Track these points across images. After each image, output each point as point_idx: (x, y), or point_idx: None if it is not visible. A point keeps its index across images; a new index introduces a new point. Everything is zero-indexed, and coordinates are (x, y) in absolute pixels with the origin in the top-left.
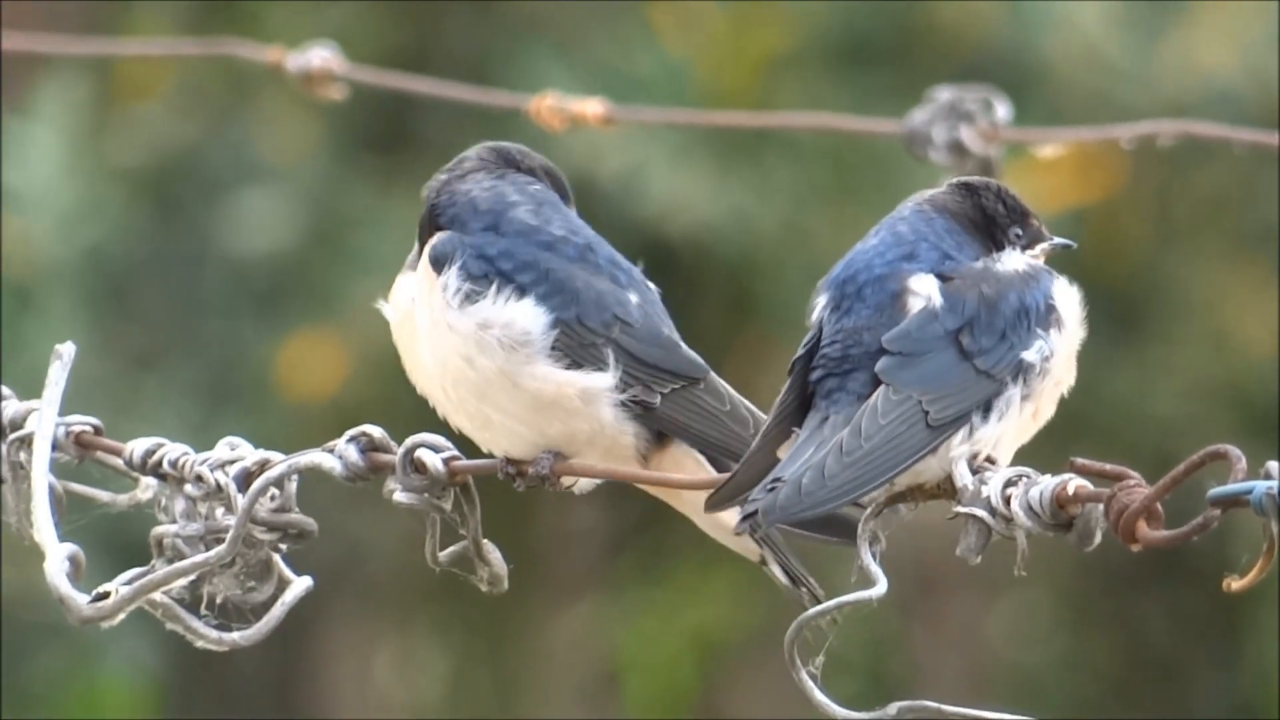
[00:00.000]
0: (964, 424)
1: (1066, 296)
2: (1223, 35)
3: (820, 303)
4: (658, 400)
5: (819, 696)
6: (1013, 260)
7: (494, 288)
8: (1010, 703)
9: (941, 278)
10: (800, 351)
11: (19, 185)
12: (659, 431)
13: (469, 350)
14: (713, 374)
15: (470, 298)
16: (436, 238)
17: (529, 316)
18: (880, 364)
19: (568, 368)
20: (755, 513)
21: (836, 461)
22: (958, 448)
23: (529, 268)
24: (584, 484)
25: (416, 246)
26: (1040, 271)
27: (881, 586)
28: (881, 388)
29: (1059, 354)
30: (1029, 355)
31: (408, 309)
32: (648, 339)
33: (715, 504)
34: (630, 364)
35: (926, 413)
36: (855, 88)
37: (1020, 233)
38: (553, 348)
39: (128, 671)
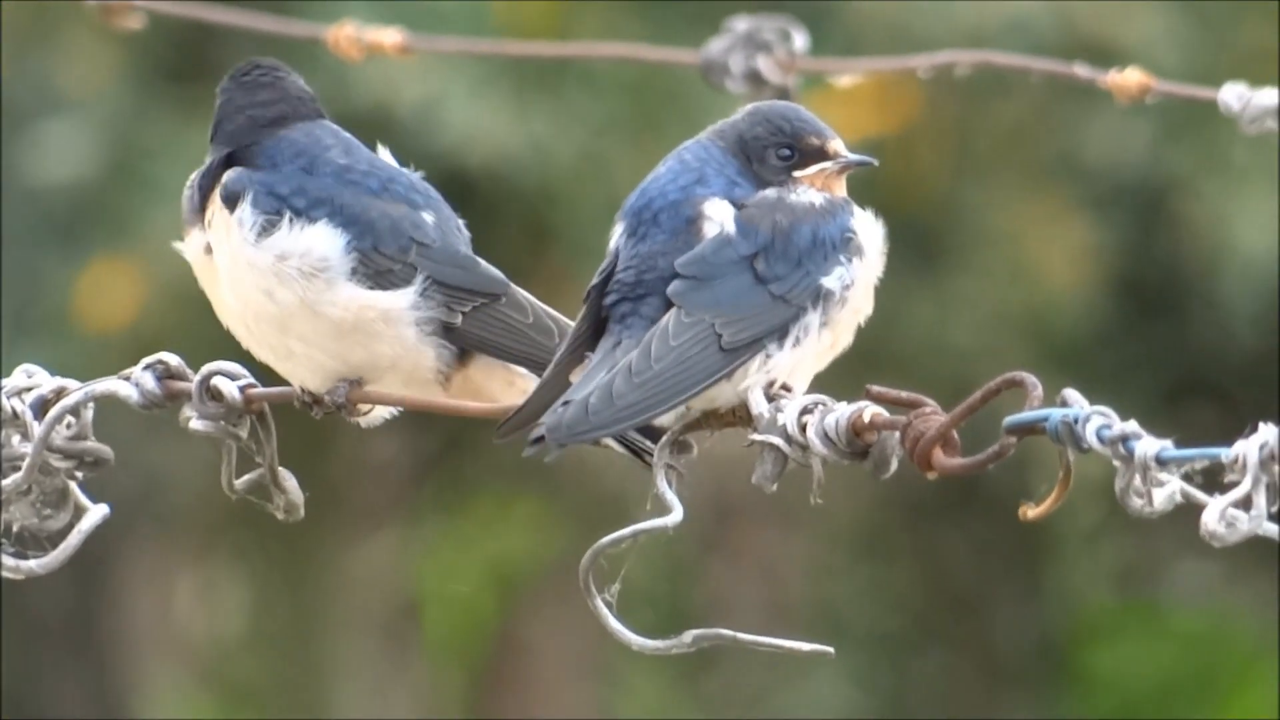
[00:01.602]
0: (759, 349)
1: (868, 227)
2: None
3: (617, 231)
4: (459, 319)
5: (613, 624)
6: (807, 193)
7: (287, 220)
8: (810, 635)
9: (735, 204)
10: (596, 279)
11: None
12: (462, 350)
13: (268, 283)
14: (514, 287)
15: (266, 230)
16: (228, 176)
17: (326, 242)
18: (672, 287)
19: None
20: (542, 437)
21: (625, 382)
22: (754, 375)
23: (321, 202)
24: (377, 415)
25: (197, 179)
26: (839, 204)
27: (677, 514)
28: (673, 310)
29: (858, 283)
30: (828, 282)
31: (200, 251)
32: (446, 259)
33: (504, 432)
34: (430, 285)
35: (720, 335)
36: (653, 20)
37: (789, 153)
38: (351, 273)
39: None
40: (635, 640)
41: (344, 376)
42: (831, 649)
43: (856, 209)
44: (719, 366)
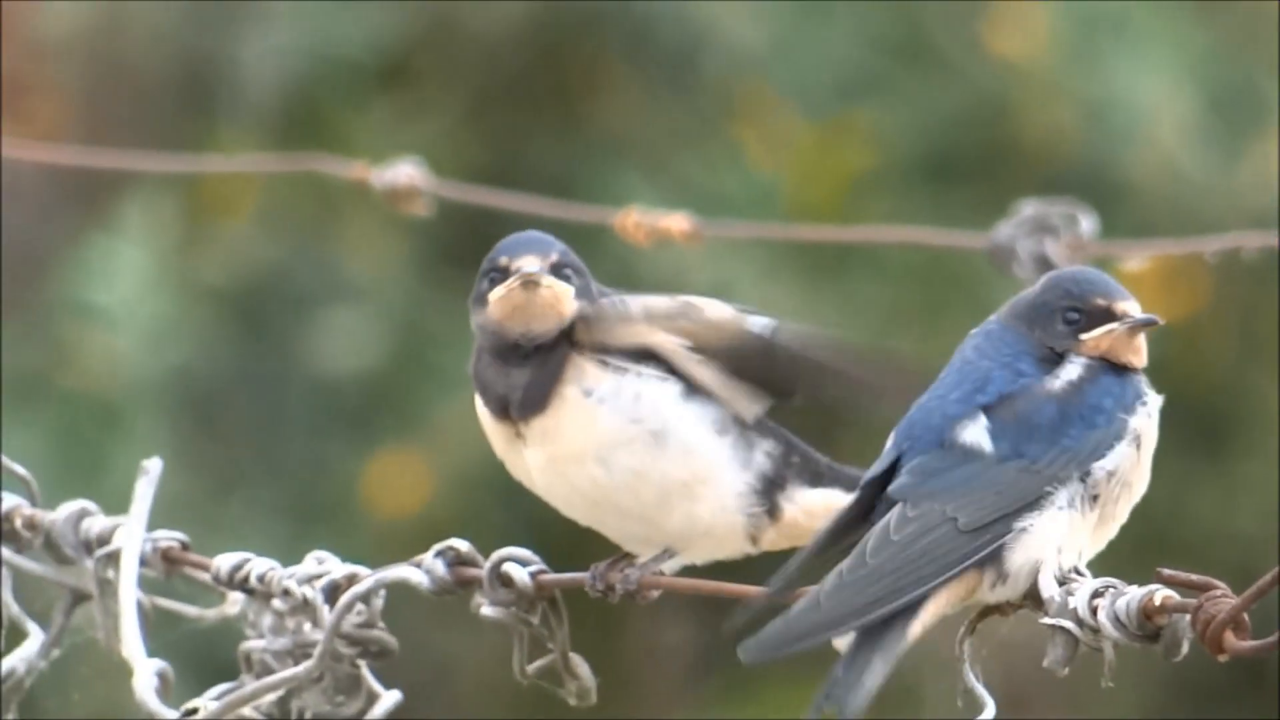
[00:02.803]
0: (1011, 524)
1: (1138, 398)
2: None
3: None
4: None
5: None
6: (1069, 370)
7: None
8: None
9: (990, 412)
10: (870, 474)
11: (105, 303)
12: (773, 504)
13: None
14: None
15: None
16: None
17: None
18: (894, 484)
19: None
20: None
21: (834, 584)
22: (1040, 558)
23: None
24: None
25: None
26: (1100, 372)
27: (989, 710)
28: (896, 507)
29: (1126, 456)
30: (1088, 450)
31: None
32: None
33: (745, 645)
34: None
35: (955, 519)
36: (939, 205)
37: (1077, 316)
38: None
39: None
40: None
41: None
42: None
43: (1136, 378)
44: (958, 549)
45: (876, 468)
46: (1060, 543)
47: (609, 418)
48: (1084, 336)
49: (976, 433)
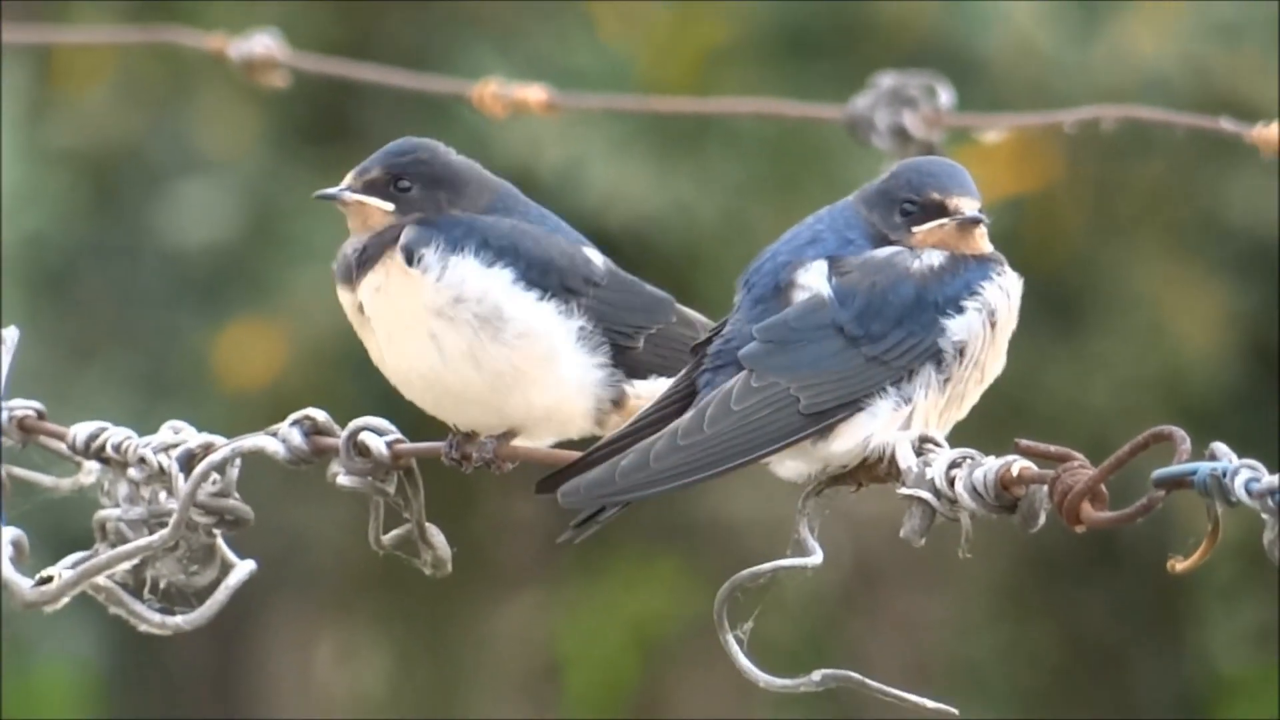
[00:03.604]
0: (855, 411)
1: (1000, 284)
2: (1157, 25)
3: (736, 296)
4: (640, 344)
5: (743, 661)
6: (931, 255)
7: (464, 260)
8: (951, 693)
9: (835, 266)
10: (699, 339)
11: None
12: (619, 391)
13: (438, 328)
14: (679, 305)
15: (441, 276)
16: (407, 233)
17: (500, 285)
18: (744, 350)
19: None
20: (583, 523)
21: (667, 445)
22: (850, 438)
23: (503, 248)
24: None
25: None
26: (964, 265)
27: (817, 557)
28: (741, 374)
29: (984, 342)
30: (941, 342)
31: (353, 310)
32: (618, 286)
33: (542, 488)
34: (599, 323)
35: (797, 399)
36: (796, 80)
37: (912, 208)
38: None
39: (66, 664)
40: (762, 678)
41: (506, 424)
42: (956, 710)
43: (997, 266)
44: (797, 429)
45: (709, 330)
46: (906, 425)
47: (430, 289)
48: (914, 229)
49: (815, 278)
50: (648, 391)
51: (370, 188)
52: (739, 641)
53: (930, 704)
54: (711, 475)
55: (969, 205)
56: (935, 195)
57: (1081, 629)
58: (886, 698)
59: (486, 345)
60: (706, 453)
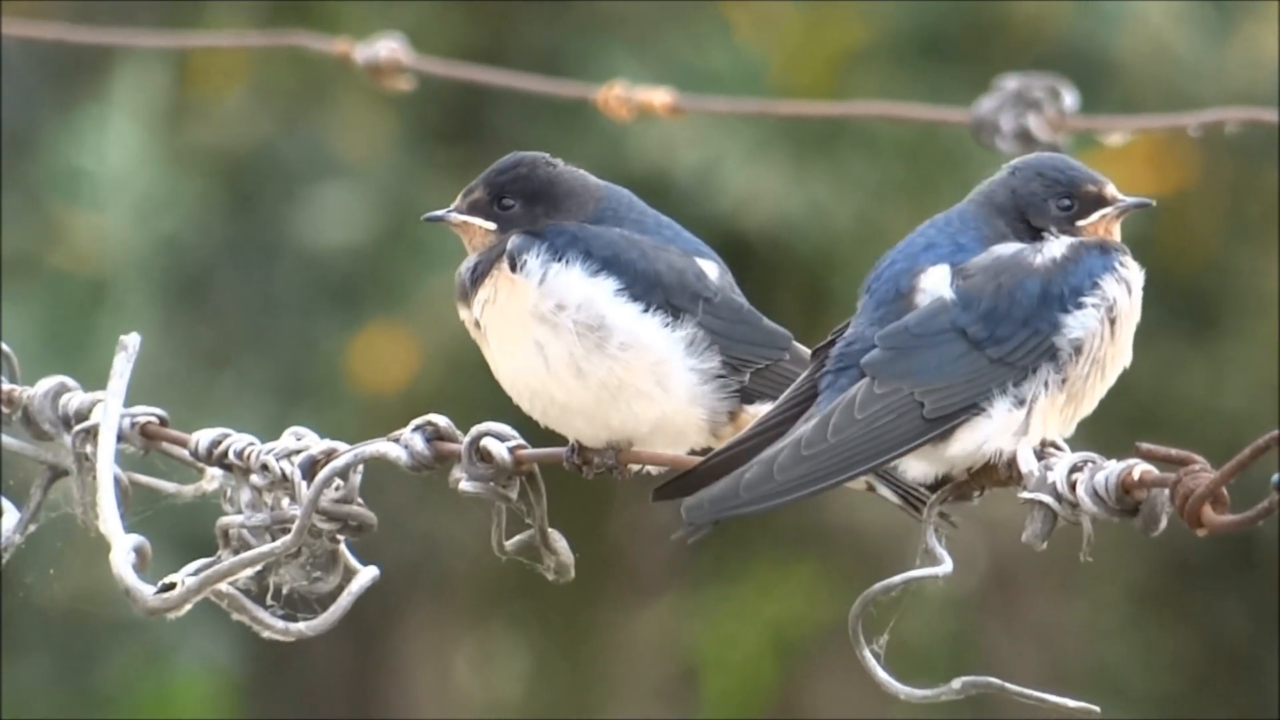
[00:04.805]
0: (977, 414)
1: (1119, 277)
2: None
3: (859, 301)
4: (746, 377)
5: (880, 674)
6: (1053, 247)
7: (566, 267)
8: (1087, 697)
9: (957, 271)
10: (822, 344)
11: (95, 170)
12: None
13: (543, 336)
14: (795, 343)
15: (545, 280)
16: (513, 241)
17: (604, 295)
18: (867, 358)
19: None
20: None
21: (791, 455)
22: (968, 441)
23: (608, 259)
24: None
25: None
26: (1086, 251)
27: (947, 565)
28: (863, 381)
29: (1097, 334)
30: (1059, 340)
31: (471, 326)
32: (729, 314)
33: (663, 494)
34: (711, 341)
35: (921, 404)
36: (928, 83)
37: (1069, 203)
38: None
39: (202, 671)
40: (903, 690)
41: (614, 437)
42: (1098, 708)
43: (1119, 255)
44: (920, 434)
45: (832, 333)
46: (1018, 428)
47: (534, 294)
48: (1081, 223)
49: (937, 282)
50: (759, 412)
51: (474, 208)
52: (876, 656)
53: (1072, 703)
54: (835, 483)
55: (1120, 193)
56: (1091, 187)
57: (1218, 633)
58: (1028, 700)
59: (590, 355)
60: (830, 461)
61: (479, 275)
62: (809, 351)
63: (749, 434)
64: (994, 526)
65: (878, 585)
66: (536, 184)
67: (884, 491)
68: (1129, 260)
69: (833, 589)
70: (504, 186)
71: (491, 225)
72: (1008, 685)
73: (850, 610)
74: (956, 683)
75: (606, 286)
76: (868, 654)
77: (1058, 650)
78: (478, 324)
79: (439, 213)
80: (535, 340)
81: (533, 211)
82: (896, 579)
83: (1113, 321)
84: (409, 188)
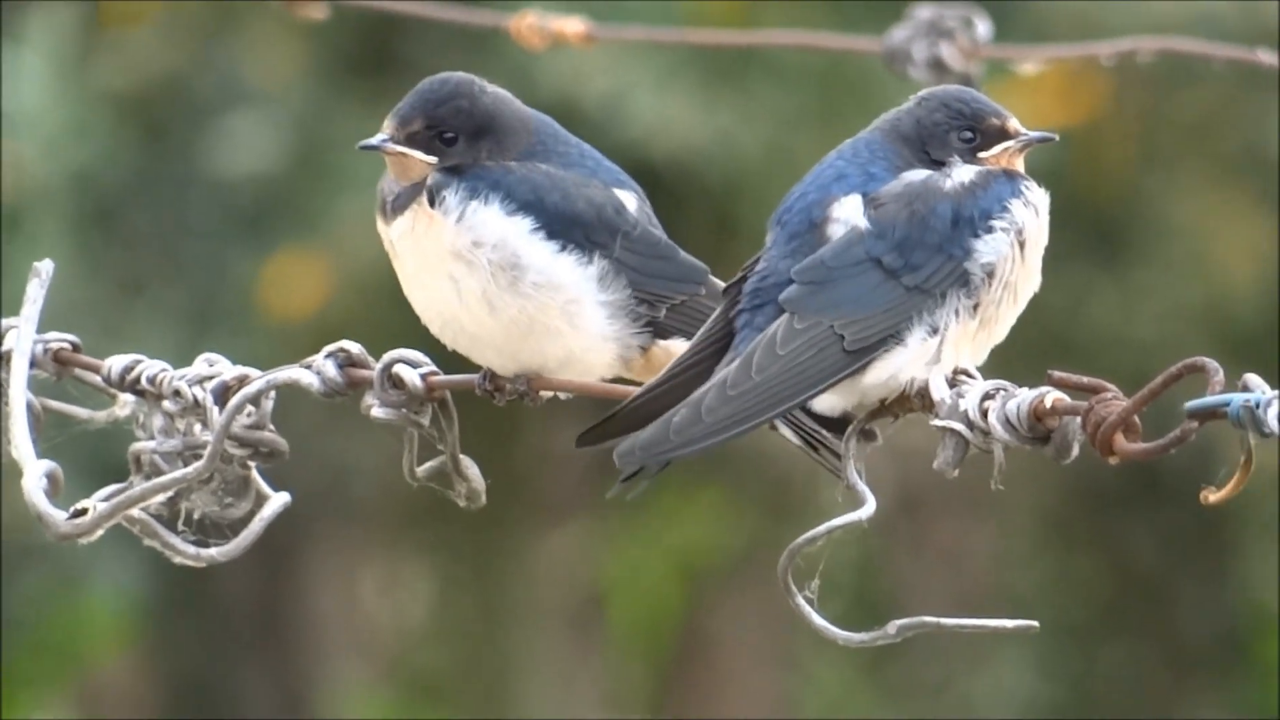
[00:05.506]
0: (896, 344)
1: (1027, 200)
2: None
3: (769, 235)
4: (662, 313)
5: (818, 621)
6: (961, 172)
7: (484, 204)
8: None
9: (869, 200)
10: (733, 280)
11: (9, 112)
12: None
13: (458, 272)
14: (711, 276)
15: (462, 218)
16: (433, 177)
17: (519, 232)
18: (785, 293)
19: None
20: (632, 475)
21: (718, 397)
22: (888, 371)
23: (527, 199)
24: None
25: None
26: (993, 178)
27: (870, 506)
28: (783, 317)
29: (1009, 258)
30: (970, 265)
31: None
32: (646, 249)
33: (586, 440)
34: (626, 277)
35: (842, 336)
36: (838, 11)
37: (971, 135)
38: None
39: (111, 594)
40: (840, 635)
41: (523, 369)
42: (1036, 623)
43: (1024, 180)
44: (843, 366)
45: (743, 268)
46: (936, 355)
47: (451, 230)
48: (983, 155)
49: (850, 212)
50: (673, 347)
51: (413, 140)
52: (809, 602)
53: (1011, 624)
54: (764, 421)
55: (1023, 128)
56: (994, 120)
57: (1126, 560)
58: (964, 631)
59: (503, 292)
60: (757, 399)
61: (400, 204)
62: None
63: (667, 375)
64: (902, 454)
65: (802, 538)
66: (479, 118)
67: (785, 432)
68: (1034, 185)
69: (739, 515)
70: (445, 120)
71: (433, 160)
72: (943, 621)
73: (779, 562)
74: (892, 626)
75: (523, 225)
76: (801, 602)
77: (966, 577)
78: (393, 245)
79: (373, 141)
80: (450, 275)
81: (475, 148)
82: (821, 529)
83: (1022, 245)
84: (321, 117)
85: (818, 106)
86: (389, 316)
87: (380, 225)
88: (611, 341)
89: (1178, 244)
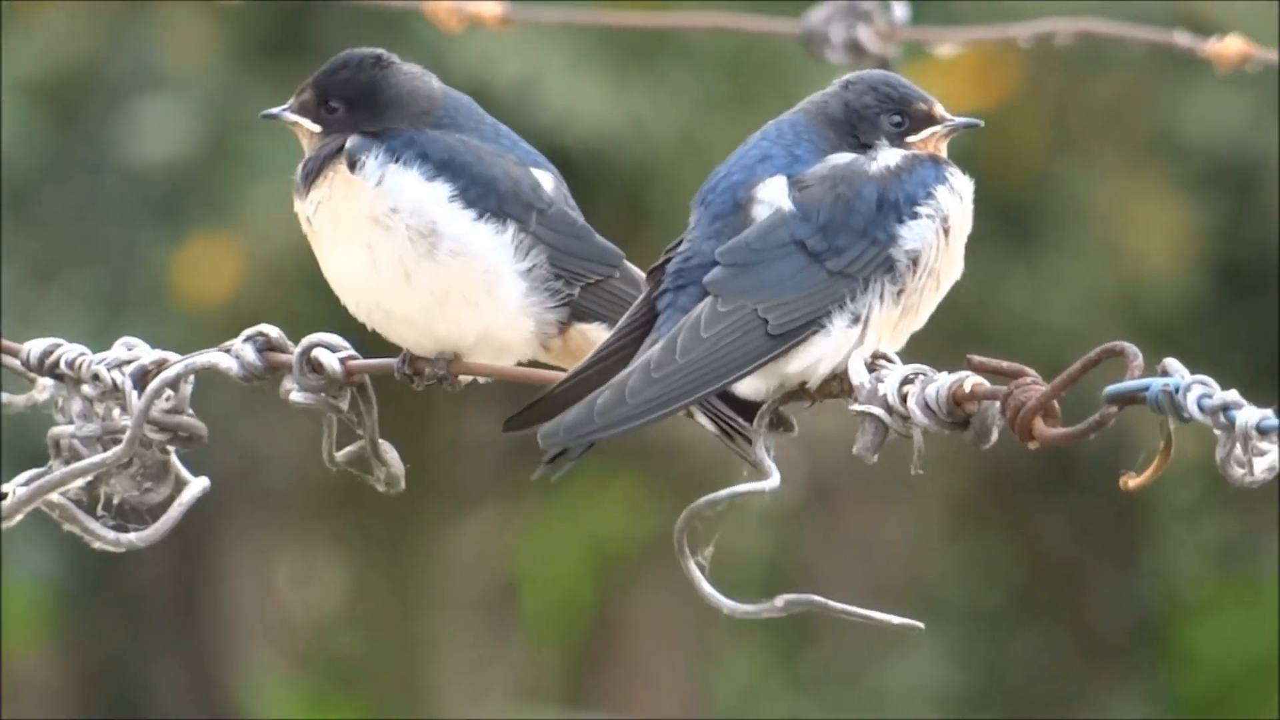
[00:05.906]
0: (818, 329)
1: (951, 187)
2: None
3: (692, 215)
4: (576, 291)
5: (705, 588)
6: (887, 155)
7: (403, 170)
8: (907, 610)
9: (794, 182)
10: (657, 263)
11: None
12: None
13: (374, 238)
14: (626, 261)
15: (381, 183)
16: (351, 141)
17: (435, 199)
18: (709, 275)
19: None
20: (556, 457)
21: (642, 379)
22: (812, 355)
23: (444, 163)
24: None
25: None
26: (919, 163)
27: (775, 479)
28: (707, 300)
29: (934, 245)
30: (895, 252)
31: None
32: (563, 227)
33: (513, 425)
34: (548, 251)
35: (765, 320)
36: None
37: (899, 120)
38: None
39: (28, 580)
40: (726, 604)
41: (440, 347)
42: (922, 624)
43: (948, 167)
44: (766, 351)
45: (665, 250)
46: (859, 341)
47: (369, 194)
48: (911, 139)
49: (775, 193)
50: (590, 332)
51: (304, 108)
52: (701, 568)
53: (896, 620)
54: (688, 404)
55: (949, 113)
56: (921, 105)
57: (1040, 547)
58: (851, 618)
59: (420, 260)
60: (680, 382)
61: (311, 173)
62: (641, 272)
63: (593, 360)
64: (814, 442)
65: (703, 499)
66: (359, 87)
67: (700, 419)
68: (959, 171)
69: (652, 502)
70: (330, 89)
71: (316, 128)
72: (830, 603)
73: (675, 525)
74: (779, 600)
75: (441, 191)
76: (692, 566)
77: (877, 564)
78: (309, 221)
79: (274, 110)
80: (366, 242)
81: (355, 116)
82: (723, 493)
83: (947, 231)
84: (233, 100)
85: (731, 90)
86: (304, 303)
87: (297, 204)
88: (528, 316)
89: (1091, 228)
